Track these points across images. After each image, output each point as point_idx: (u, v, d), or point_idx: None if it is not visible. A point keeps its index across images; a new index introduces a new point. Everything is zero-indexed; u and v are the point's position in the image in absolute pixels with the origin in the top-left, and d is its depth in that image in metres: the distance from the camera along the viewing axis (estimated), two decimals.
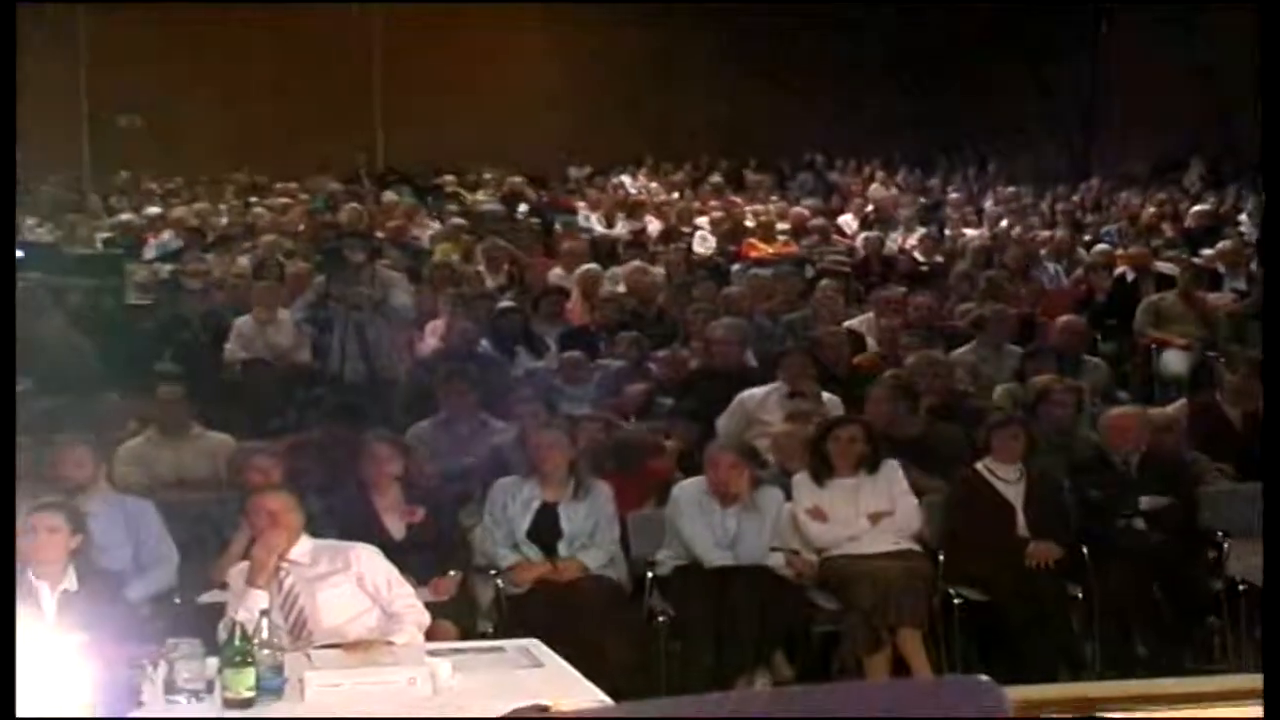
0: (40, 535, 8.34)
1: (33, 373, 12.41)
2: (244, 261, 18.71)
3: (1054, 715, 3.92)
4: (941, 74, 31.20)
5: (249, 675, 6.65)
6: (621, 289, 17.43)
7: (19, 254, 17.02)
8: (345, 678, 6.91)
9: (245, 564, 8.23)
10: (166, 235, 21.36)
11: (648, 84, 31.64)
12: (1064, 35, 31.40)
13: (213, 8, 28.75)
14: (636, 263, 18.96)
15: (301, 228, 21.68)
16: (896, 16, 31.43)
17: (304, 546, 8.27)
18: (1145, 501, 10.95)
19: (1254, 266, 18.57)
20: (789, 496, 10.74)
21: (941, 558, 10.62)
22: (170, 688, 6.74)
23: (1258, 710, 3.87)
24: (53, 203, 24.30)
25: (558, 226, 22.82)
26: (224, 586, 8.75)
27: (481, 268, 18.31)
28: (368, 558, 8.34)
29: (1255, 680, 4.14)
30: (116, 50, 28.99)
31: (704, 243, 21.91)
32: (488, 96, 30.58)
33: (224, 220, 23.41)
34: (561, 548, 10.20)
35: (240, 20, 29.29)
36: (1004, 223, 24.08)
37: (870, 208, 25.35)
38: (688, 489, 10.61)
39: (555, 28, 31.77)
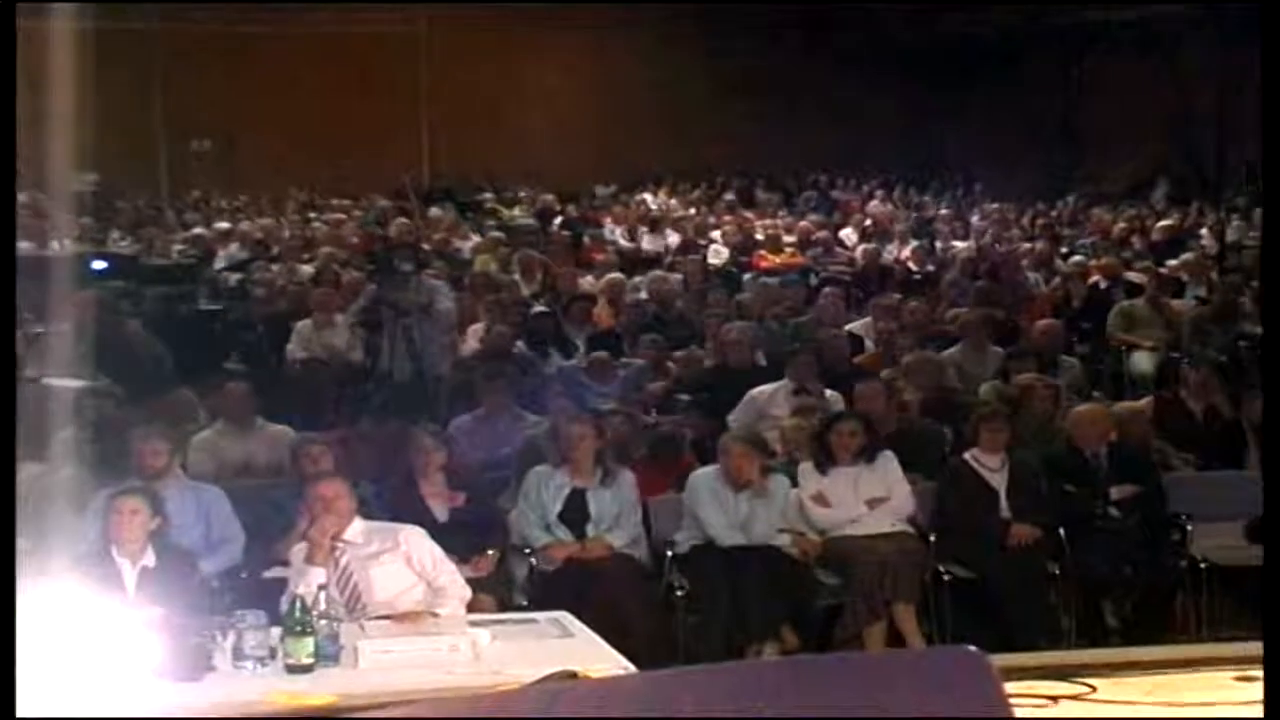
0: (123, 516, 8.37)
1: (114, 371, 12.43)
2: (304, 270, 18.72)
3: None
4: (934, 108, 31.28)
5: (309, 643, 6.66)
6: (644, 296, 17.43)
7: (103, 264, 17.05)
8: (394, 646, 6.92)
9: (304, 544, 8.25)
10: (234, 247, 21.39)
11: (667, 111, 31.66)
12: (1049, 72, 31.52)
13: (271, 45, 28.84)
14: (657, 272, 18.98)
15: (355, 240, 21.68)
16: (897, 61, 31.51)
17: (357, 528, 8.29)
18: (1115, 492, 10.97)
19: (1214, 276, 18.59)
20: (795, 483, 10.73)
21: (933, 539, 10.63)
22: (238, 654, 6.76)
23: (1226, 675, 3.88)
24: (134, 219, 24.34)
25: (586, 239, 22.81)
26: (286, 564, 8.77)
27: (517, 276, 18.29)
28: (415, 538, 8.35)
29: (1216, 649, 4.14)
30: (189, 84, 29.11)
31: (718, 254, 21.88)
32: (522, 123, 30.64)
33: (285, 234, 23.43)
34: (589, 529, 10.19)
35: (300, 54, 29.36)
36: (988, 236, 24.03)
37: (868, 222, 25.31)
38: (703, 476, 10.60)
39: (582, 61, 31.80)
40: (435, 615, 7.91)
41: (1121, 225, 24.48)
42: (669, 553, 10.34)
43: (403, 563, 8.22)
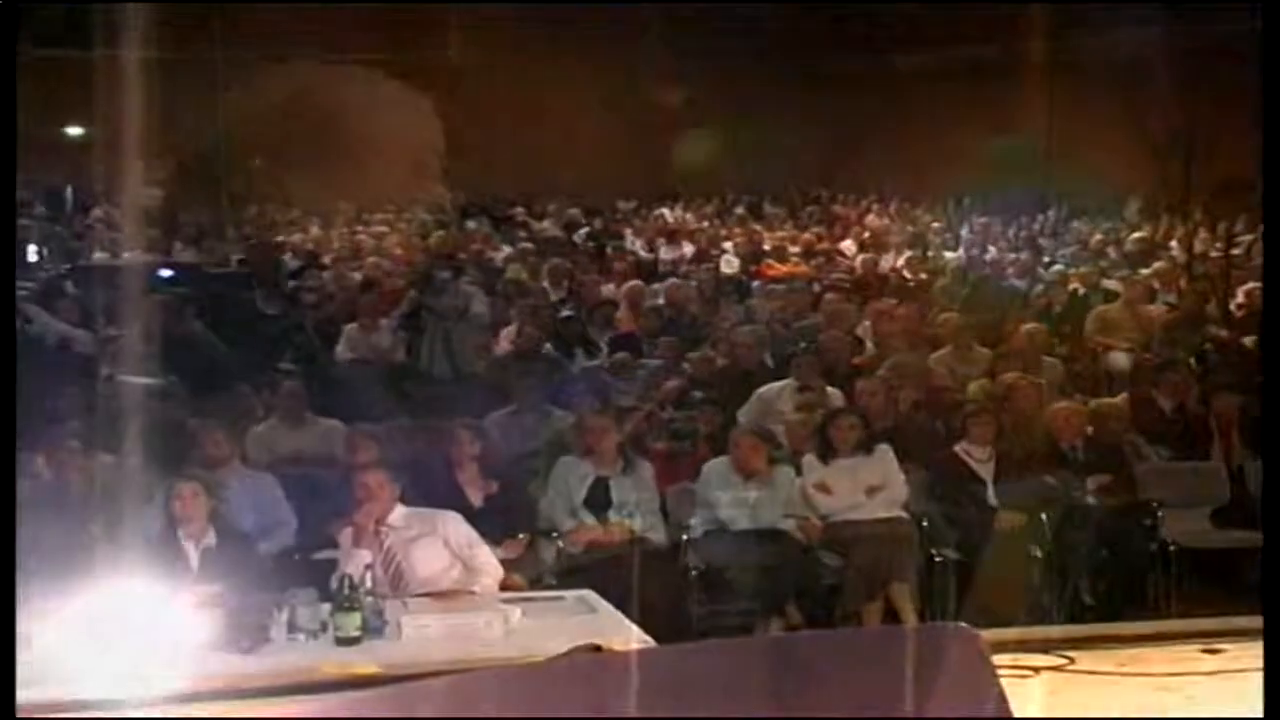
0: (185, 500, 8.39)
1: (178, 370, 12.46)
2: (352, 278, 18.73)
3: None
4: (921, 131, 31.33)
5: (356, 618, 6.70)
6: (661, 301, 17.42)
7: (169, 273, 17.09)
8: (433, 620, 6.95)
9: (352, 528, 8.28)
10: (288, 256, 21.41)
11: (682, 131, 31.69)
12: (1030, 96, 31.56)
13: (319, 73, 28.92)
14: (674, 280, 18.98)
15: (398, 251, 21.69)
16: (896, 90, 31.55)
17: (399, 513, 8.31)
18: (1091, 481, 11.00)
19: (1183, 284, 18.60)
20: (799, 473, 10.74)
21: (925, 524, 10.64)
22: (291, 628, 6.79)
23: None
24: (197, 230, 24.38)
25: (609, 250, 22.81)
26: (335, 546, 8.79)
27: (546, 284, 18.30)
28: (452, 522, 8.37)
29: (1184, 624, 4.14)
30: (246, 108, 29.18)
31: (729, 264, 21.87)
32: (550, 143, 30.70)
33: (335, 245, 23.47)
34: (612, 514, 10.20)
35: (344, 82, 29.44)
36: (975, 249, 24.02)
37: (867, 234, 25.31)
38: (716, 466, 10.61)
39: (605, 86, 31.80)
40: (471, 593, 7.93)
41: (1098, 237, 24.48)
42: (684, 536, 10.34)
43: (441, 545, 8.24)
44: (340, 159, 29.52)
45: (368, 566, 7.48)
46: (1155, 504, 10.98)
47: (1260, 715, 3.35)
